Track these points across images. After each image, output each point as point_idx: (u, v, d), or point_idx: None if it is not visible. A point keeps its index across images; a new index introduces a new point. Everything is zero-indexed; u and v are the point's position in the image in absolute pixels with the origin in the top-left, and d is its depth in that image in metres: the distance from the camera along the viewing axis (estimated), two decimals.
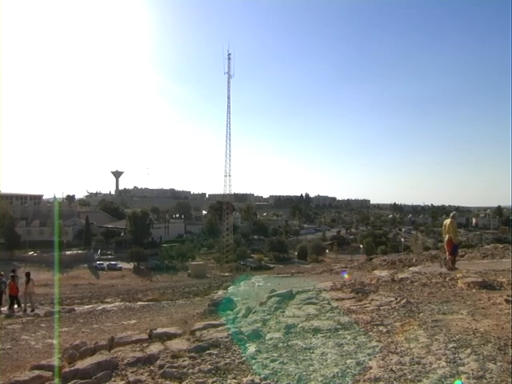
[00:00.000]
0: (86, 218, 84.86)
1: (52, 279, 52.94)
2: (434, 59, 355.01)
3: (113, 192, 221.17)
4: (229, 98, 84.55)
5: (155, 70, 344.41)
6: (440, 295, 7.25)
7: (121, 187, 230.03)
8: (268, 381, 3.87)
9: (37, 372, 4.94)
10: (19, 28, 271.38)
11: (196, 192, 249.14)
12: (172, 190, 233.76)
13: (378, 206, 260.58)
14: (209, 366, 4.32)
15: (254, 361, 4.41)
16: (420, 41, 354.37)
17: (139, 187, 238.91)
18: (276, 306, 7.15)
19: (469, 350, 4.23)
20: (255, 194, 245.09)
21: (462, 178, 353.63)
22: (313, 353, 4.55)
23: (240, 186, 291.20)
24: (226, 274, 59.90)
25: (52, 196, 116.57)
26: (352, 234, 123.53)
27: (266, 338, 5.27)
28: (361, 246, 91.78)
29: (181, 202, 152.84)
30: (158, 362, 4.65)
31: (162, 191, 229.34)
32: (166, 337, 5.85)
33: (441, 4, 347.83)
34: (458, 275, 9.06)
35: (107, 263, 67.35)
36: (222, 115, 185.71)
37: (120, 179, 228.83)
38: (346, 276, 13.95)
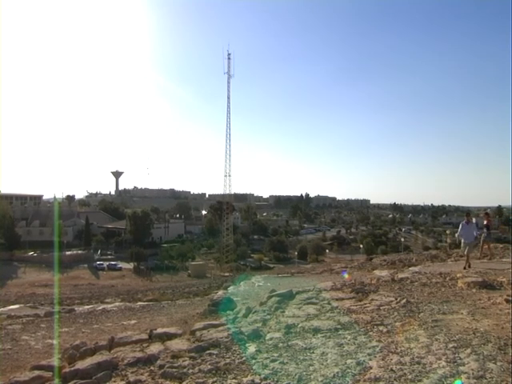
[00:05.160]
0: (85, 218, 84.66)
1: (52, 279, 52.94)
2: (434, 59, 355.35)
3: (113, 192, 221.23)
4: (229, 97, 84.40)
5: (155, 70, 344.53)
6: (440, 295, 7.26)
7: (121, 187, 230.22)
8: (268, 381, 3.88)
9: (37, 372, 4.94)
10: (19, 28, 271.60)
11: (196, 192, 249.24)
12: (172, 190, 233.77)
13: (378, 206, 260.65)
14: (209, 366, 4.32)
15: (254, 361, 4.41)
16: (420, 41, 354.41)
17: (139, 187, 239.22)
18: (276, 305, 7.15)
19: (469, 350, 4.23)
20: (255, 194, 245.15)
21: (462, 178, 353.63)
22: (313, 353, 4.55)
23: (240, 185, 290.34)
24: (226, 274, 59.82)
25: (52, 196, 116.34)
26: (352, 234, 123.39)
27: (266, 338, 5.27)
28: (361, 245, 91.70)
29: (181, 202, 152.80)
30: (158, 362, 4.65)
31: (161, 191, 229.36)
32: (166, 337, 5.85)
33: (441, 4, 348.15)
34: (457, 275, 9.07)
35: (107, 263, 67.17)
36: (222, 115, 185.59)
37: (120, 179, 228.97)
38: (346, 276, 13.96)
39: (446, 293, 7.44)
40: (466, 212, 14.32)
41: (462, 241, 12.41)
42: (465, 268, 11.47)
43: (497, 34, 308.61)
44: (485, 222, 13.78)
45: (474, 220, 14.15)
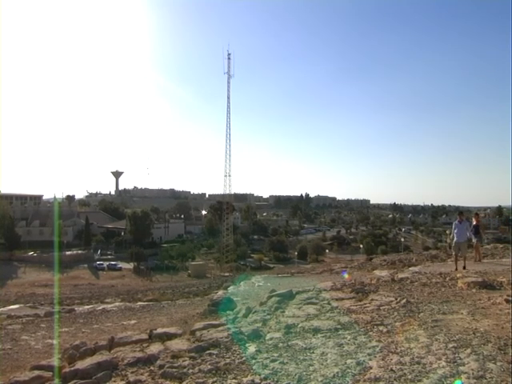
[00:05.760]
0: (85, 218, 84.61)
1: (52, 279, 52.93)
2: (434, 59, 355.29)
3: (113, 192, 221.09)
4: (229, 97, 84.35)
5: (155, 70, 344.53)
6: (440, 295, 7.26)
7: (121, 187, 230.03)
8: (268, 381, 3.87)
9: (37, 372, 4.94)
10: (19, 28, 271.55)
11: (196, 192, 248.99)
12: (172, 190, 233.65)
13: (378, 206, 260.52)
14: (209, 366, 4.32)
15: (254, 361, 4.41)
16: (420, 41, 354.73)
17: (139, 187, 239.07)
18: (276, 306, 7.15)
19: (469, 350, 4.23)
20: (255, 194, 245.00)
21: (462, 178, 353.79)
22: (313, 353, 4.55)
23: (240, 185, 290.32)
24: (226, 274, 59.83)
25: (52, 196, 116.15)
26: (352, 234, 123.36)
27: (266, 338, 5.27)
28: (361, 246, 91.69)
29: (181, 202, 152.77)
30: (158, 362, 4.65)
31: (161, 191, 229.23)
32: (166, 337, 5.85)
33: (441, 4, 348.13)
34: (457, 275, 9.07)
35: (107, 263, 67.15)
36: (222, 115, 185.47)
37: (120, 179, 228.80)
38: (345, 276, 13.96)
39: (446, 293, 7.44)
40: (459, 211, 14.14)
41: (454, 240, 12.25)
42: (456, 269, 11.28)
43: (497, 33, 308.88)
44: (474, 223, 13.60)
45: (473, 221, 14.06)
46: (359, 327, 5.41)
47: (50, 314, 13.49)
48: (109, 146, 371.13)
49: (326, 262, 72.53)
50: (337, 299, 7.32)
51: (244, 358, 4.53)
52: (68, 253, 70.71)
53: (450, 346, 4.40)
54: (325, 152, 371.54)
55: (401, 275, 10.62)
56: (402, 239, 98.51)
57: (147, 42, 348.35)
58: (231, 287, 14.70)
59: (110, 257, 75.37)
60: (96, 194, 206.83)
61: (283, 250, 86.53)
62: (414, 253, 30.74)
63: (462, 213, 13.28)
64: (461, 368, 3.81)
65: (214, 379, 4.00)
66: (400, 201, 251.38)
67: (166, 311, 13.33)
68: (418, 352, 4.28)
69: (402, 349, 4.43)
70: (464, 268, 11.32)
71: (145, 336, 6.06)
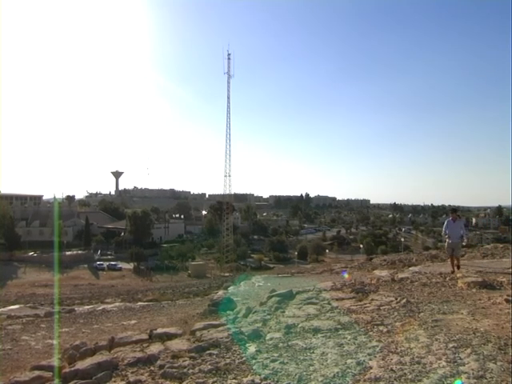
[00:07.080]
0: (85, 219, 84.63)
1: (52, 279, 52.94)
2: (434, 59, 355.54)
3: (113, 192, 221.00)
4: (229, 98, 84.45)
5: (155, 70, 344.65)
6: (440, 295, 7.26)
7: (121, 187, 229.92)
8: (268, 381, 3.87)
9: (37, 372, 4.93)
10: (19, 28, 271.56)
11: (196, 192, 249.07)
12: (172, 190, 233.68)
13: (378, 206, 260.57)
14: (209, 366, 4.32)
15: (254, 361, 4.41)
16: (420, 41, 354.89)
17: (139, 187, 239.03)
18: (276, 305, 7.15)
19: (469, 350, 4.23)
20: (255, 194, 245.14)
21: (462, 178, 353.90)
22: (313, 353, 4.55)
23: (240, 185, 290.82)
24: (226, 274, 59.82)
25: (52, 196, 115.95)
26: (352, 234, 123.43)
27: (266, 337, 5.27)
28: (361, 245, 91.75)
29: (181, 202, 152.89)
30: (159, 362, 4.65)
31: (161, 191, 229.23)
32: (166, 337, 5.85)
33: (441, 4, 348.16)
34: (457, 275, 9.07)
35: (107, 263, 67.17)
36: (222, 115, 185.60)
37: (120, 179, 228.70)
38: (346, 276, 13.95)
39: (445, 293, 7.44)
40: (452, 209, 13.28)
41: (447, 241, 11.63)
42: (453, 272, 10.71)
43: (497, 33, 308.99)
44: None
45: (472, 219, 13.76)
46: (359, 327, 5.41)
47: (50, 314, 13.47)
48: (109, 146, 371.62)
49: (326, 261, 72.45)
50: (337, 299, 7.32)
51: (244, 358, 4.53)
52: (68, 253, 70.72)
53: (450, 345, 4.40)
54: (325, 152, 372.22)
55: (401, 275, 10.61)
56: (402, 239, 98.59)
57: (147, 42, 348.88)
58: (231, 287, 14.69)
59: (110, 257, 75.38)
60: (96, 194, 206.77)
61: (283, 250, 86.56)
62: (413, 253, 30.70)
63: (455, 210, 12.39)
64: (461, 368, 3.81)
65: (214, 379, 4.00)
66: (400, 201, 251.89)
67: (166, 311, 13.31)
68: (418, 352, 4.28)
69: (402, 349, 4.43)
70: (458, 268, 10.97)
71: (145, 336, 6.05)
